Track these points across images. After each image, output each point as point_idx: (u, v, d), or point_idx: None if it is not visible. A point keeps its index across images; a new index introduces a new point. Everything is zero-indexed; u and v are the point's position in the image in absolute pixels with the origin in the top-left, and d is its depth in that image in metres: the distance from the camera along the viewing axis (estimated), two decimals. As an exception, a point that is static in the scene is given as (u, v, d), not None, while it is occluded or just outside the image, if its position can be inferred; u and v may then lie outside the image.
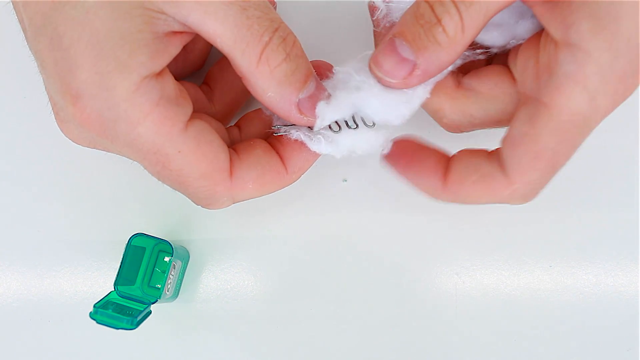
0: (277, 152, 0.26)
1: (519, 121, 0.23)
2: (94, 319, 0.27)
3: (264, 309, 0.32)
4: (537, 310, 0.32)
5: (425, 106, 0.26)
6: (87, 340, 0.32)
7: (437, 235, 0.32)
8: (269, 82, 0.23)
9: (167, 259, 0.29)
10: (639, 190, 0.32)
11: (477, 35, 0.23)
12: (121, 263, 0.29)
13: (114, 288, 0.29)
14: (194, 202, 0.25)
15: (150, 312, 0.28)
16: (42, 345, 0.32)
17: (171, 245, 0.29)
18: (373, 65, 0.24)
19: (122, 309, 0.28)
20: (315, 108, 0.24)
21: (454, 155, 0.25)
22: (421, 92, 0.25)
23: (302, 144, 0.26)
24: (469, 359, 0.32)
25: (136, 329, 0.27)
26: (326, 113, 0.24)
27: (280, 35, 0.22)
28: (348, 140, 0.26)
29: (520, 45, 0.25)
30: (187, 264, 0.32)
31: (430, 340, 0.32)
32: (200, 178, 0.23)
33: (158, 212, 0.32)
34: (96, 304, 0.28)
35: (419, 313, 0.32)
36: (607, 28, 0.21)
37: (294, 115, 0.24)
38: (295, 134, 0.26)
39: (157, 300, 0.29)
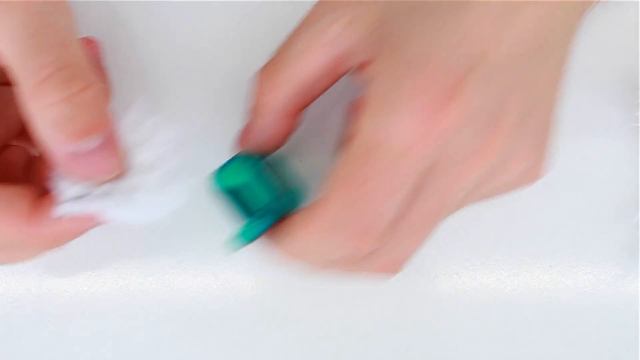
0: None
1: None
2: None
3: (264, 309, 0.32)
4: (537, 310, 0.32)
5: None
6: (87, 340, 0.32)
7: (437, 235, 0.32)
8: (42, 118, 0.20)
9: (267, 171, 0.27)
10: (639, 189, 0.32)
11: (289, 103, 0.26)
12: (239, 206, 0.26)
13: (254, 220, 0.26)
14: None
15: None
16: (42, 345, 0.32)
17: (262, 160, 0.27)
18: None
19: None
20: (95, 165, 0.21)
21: None
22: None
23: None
24: (468, 359, 0.32)
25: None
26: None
27: (67, 74, 0.20)
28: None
29: None
30: (282, 163, 0.29)
31: (430, 340, 0.32)
32: None
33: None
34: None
35: (418, 313, 0.32)
36: (389, 56, 0.22)
37: (69, 163, 0.21)
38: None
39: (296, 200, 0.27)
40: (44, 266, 0.32)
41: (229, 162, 0.27)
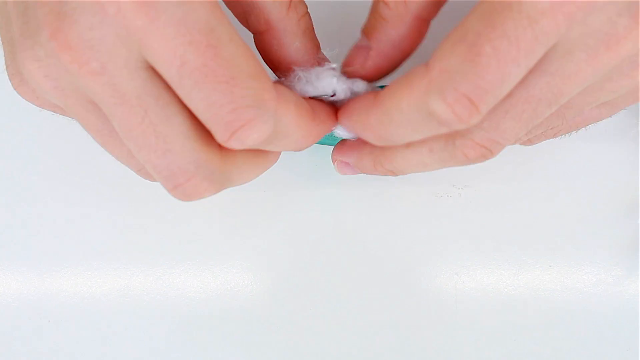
0: None
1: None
2: None
3: (264, 309, 0.32)
4: (537, 310, 0.32)
5: None
6: (87, 340, 0.32)
7: (437, 235, 0.32)
8: (296, 30, 0.24)
9: None
10: (639, 189, 0.32)
11: (426, 8, 0.23)
12: None
13: None
14: (232, 121, 0.20)
15: None
16: (42, 345, 0.32)
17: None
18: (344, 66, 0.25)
19: None
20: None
21: None
22: None
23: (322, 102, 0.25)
24: (468, 358, 0.32)
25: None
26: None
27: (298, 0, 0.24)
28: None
29: None
30: None
31: (430, 340, 0.32)
32: (250, 77, 0.20)
33: (159, 212, 0.32)
34: None
35: (418, 313, 0.32)
36: None
37: (319, 63, 0.24)
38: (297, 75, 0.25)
39: None
40: (44, 266, 0.33)
41: None
